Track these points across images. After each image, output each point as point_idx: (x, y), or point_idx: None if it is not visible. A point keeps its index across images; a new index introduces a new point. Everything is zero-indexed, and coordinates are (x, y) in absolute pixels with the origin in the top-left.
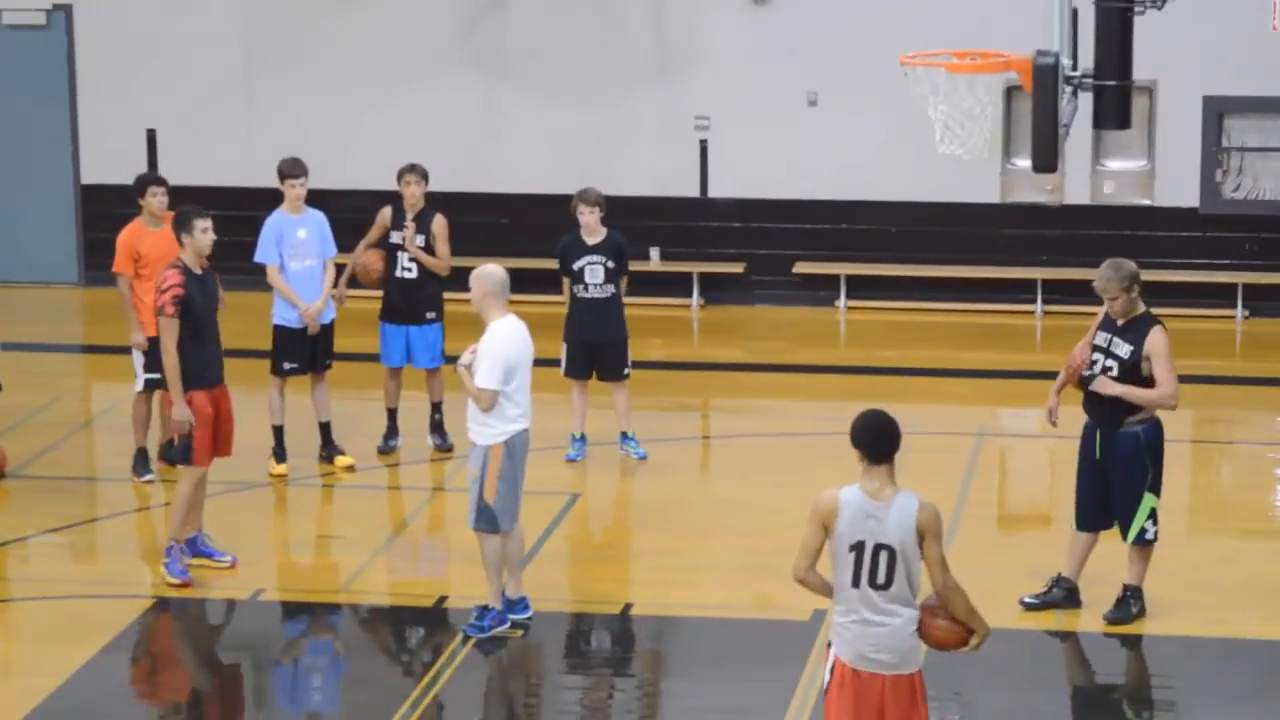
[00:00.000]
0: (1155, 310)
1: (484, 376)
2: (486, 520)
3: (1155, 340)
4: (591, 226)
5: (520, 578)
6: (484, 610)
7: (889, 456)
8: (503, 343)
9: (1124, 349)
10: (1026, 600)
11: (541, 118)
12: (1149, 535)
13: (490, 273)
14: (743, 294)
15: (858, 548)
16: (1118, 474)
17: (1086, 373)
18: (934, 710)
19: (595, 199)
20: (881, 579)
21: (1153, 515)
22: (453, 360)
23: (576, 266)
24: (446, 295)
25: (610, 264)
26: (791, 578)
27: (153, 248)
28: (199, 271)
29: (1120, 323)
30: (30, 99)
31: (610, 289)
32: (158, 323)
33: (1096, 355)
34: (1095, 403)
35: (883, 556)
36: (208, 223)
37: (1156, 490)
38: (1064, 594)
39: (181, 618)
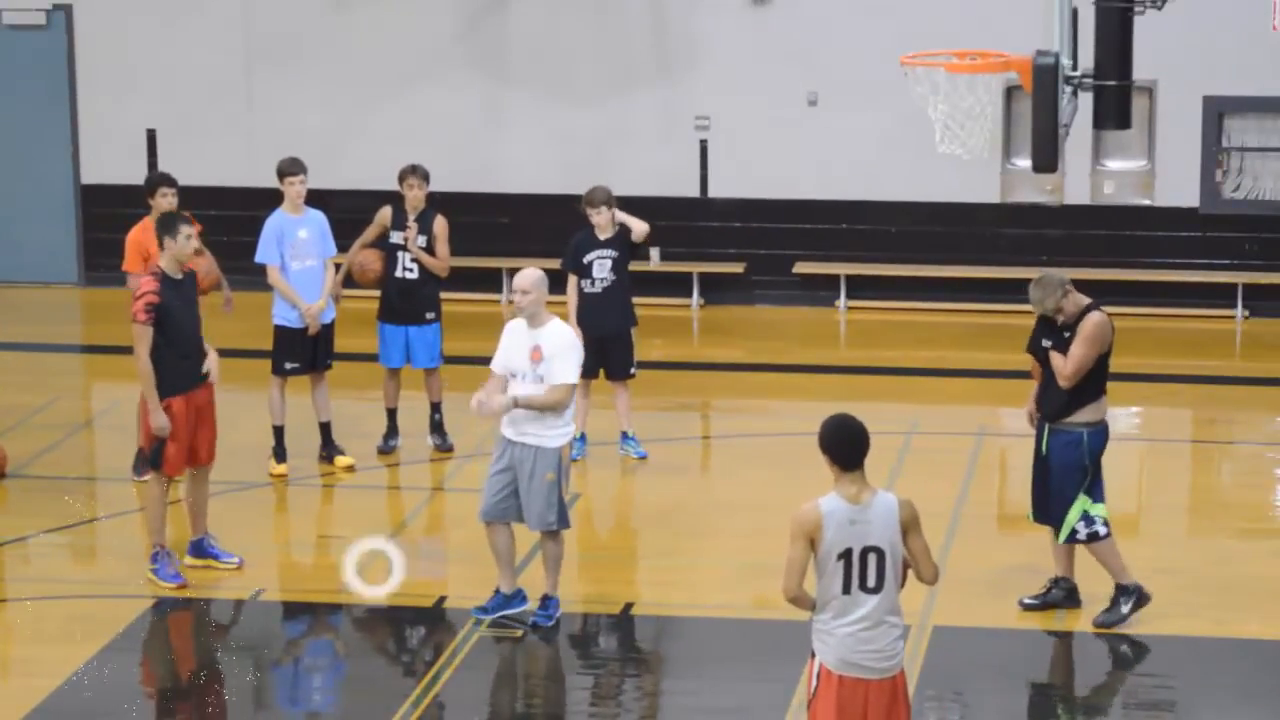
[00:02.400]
0: (1154, 310)
1: (570, 372)
2: (564, 518)
3: (1087, 323)
4: (604, 225)
5: (514, 576)
6: (546, 599)
7: (863, 462)
8: (576, 341)
9: (1066, 335)
10: (1026, 601)
11: (541, 118)
12: (1080, 536)
13: (542, 276)
14: (743, 294)
15: (845, 555)
16: (1054, 473)
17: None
18: (934, 710)
19: (602, 200)
20: (872, 582)
21: (1086, 517)
22: (452, 361)
23: (587, 260)
24: (444, 295)
25: (617, 255)
26: (784, 598)
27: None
28: (178, 277)
29: (1073, 320)
30: (30, 99)
31: (613, 277)
32: (133, 331)
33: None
34: (1042, 391)
35: (871, 559)
36: (193, 230)
37: (1093, 495)
38: (1063, 594)
39: (181, 618)
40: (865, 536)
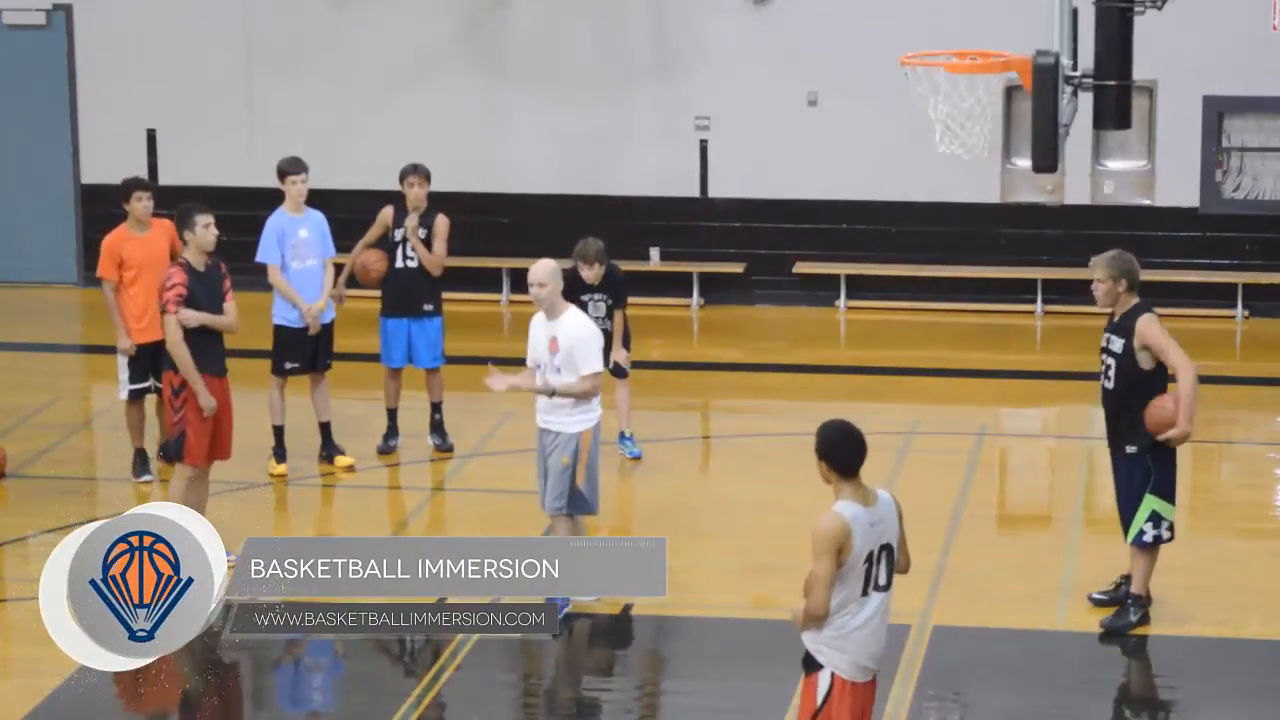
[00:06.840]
0: (1154, 310)
1: (593, 360)
2: (579, 504)
3: (1145, 330)
4: (592, 279)
5: None
6: None
7: (861, 465)
8: (592, 328)
9: (1118, 344)
10: (1095, 596)
11: (541, 118)
12: (1146, 538)
13: (556, 267)
14: (743, 294)
15: (869, 558)
16: (1121, 473)
17: (1104, 383)
18: (934, 710)
19: (595, 256)
20: (883, 579)
21: (1154, 518)
22: (452, 360)
23: (580, 300)
24: (444, 295)
25: (609, 301)
26: (815, 614)
27: (134, 252)
28: (201, 269)
29: (1115, 318)
30: (30, 99)
31: (608, 324)
32: (161, 320)
33: (1103, 357)
34: (1111, 423)
35: (883, 557)
36: (209, 218)
37: (1161, 494)
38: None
39: None
40: (881, 536)
